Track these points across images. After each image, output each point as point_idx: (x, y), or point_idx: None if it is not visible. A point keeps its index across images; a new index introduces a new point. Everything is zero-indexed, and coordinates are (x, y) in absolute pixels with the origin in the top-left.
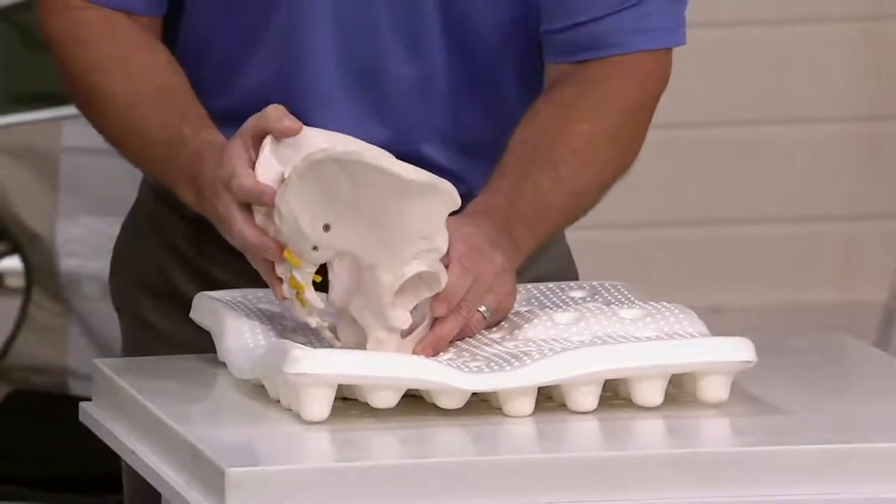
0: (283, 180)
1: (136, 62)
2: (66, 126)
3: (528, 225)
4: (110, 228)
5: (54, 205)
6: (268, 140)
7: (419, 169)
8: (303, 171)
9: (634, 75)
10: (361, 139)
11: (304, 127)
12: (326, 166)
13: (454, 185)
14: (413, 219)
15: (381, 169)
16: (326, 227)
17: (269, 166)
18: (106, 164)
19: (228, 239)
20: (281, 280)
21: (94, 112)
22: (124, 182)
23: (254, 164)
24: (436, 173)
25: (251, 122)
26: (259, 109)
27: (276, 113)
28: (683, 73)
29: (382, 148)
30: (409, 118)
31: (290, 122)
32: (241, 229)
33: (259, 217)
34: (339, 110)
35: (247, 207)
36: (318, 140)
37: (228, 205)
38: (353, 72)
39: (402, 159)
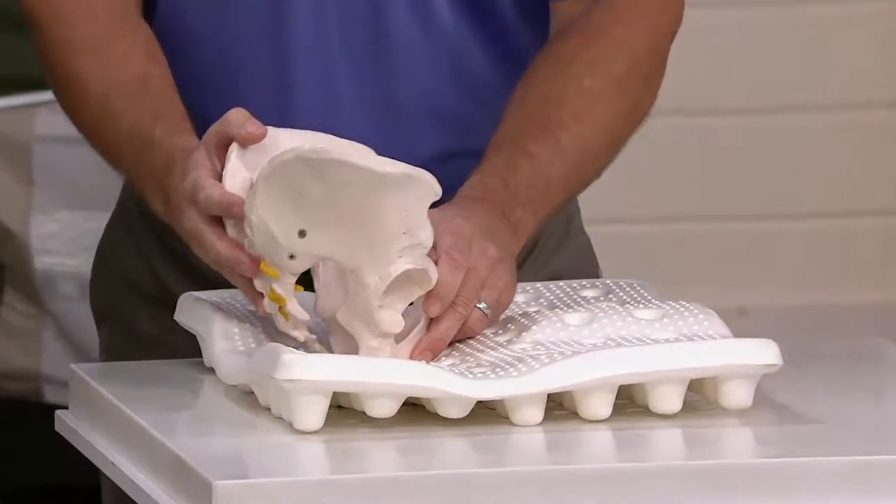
0: (251, 187)
1: (116, 45)
2: (41, 113)
3: (526, 205)
4: (88, 223)
5: (28, 198)
6: (234, 146)
7: (393, 161)
8: (269, 175)
9: (642, 17)
10: (357, 88)
11: (271, 128)
12: (294, 167)
13: (470, 138)
14: (392, 214)
15: (352, 164)
16: (302, 234)
17: (237, 174)
18: (84, 155)
19: (200, 255)
20: (262, 295)
21: (68, 98)
22: (103, 174)
23: (220, 173)
24: (447, 120)
25: (213, 130)
26: (248, 68)
27: (238, 118)
28: (708, 57)
29: (386, 97)
30: (410, 58)
31: (252, 126)
32: (213, 245)
33: (231, 230)
34: (331, 63)
35: (217, 220)
36: (286, 141)
37: (195, 220)
38: (344, 20)
39: (404, 105)
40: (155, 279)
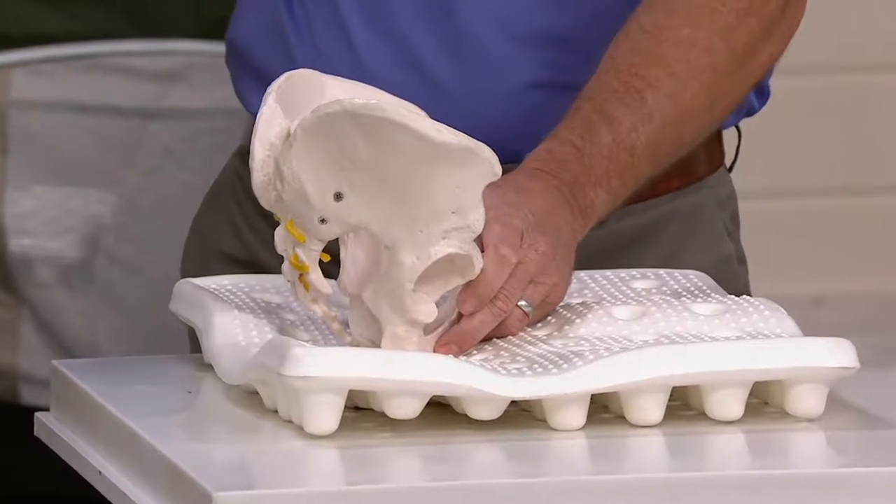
0: (288, 137)
1: None
2: (17, 74)
3: (601, 182)
4: (71, 200)
5: (1, 172)
6: (272, 88)
7: (453, 130)
8: (310, 126)
9: None
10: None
11: (317, 73)
12: (340, 122)
13: (573, 71)
14: (443, 190)
15: (407, 127)
16: (338, 196)
17: (273, 119)
18: (64, 122)
19: None
20: None
21: None
22: (86, 144)
23: None
24: (546, 43)
25: None
26: None
27: None
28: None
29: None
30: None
31: None
32: None
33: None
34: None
35: None
36: (333, 89)
37: None
38: None
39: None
40: (247, 249)
